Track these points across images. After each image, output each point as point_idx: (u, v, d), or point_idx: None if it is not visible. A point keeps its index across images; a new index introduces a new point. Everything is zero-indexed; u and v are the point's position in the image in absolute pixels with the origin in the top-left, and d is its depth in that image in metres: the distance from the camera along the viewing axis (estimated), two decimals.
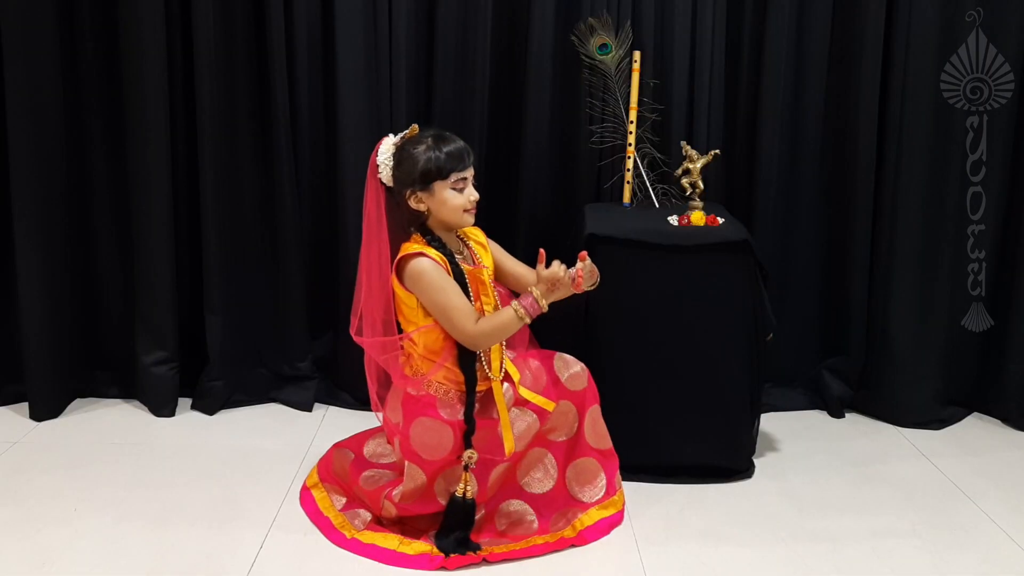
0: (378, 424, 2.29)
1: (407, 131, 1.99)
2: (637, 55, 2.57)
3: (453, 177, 1.95)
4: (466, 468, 1.95)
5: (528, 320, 1.92)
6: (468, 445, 1.95)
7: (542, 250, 1.92)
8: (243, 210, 2.69)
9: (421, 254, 1.94)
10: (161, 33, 2.50)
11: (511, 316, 1.91)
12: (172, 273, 2.64)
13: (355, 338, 2.00)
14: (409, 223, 2.01)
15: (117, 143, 2.64)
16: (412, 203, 1.97)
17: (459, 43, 2.64)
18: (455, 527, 1.96)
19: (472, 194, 1.99)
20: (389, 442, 2.17)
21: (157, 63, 2.51)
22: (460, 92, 2.66)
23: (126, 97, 2.57)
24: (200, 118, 2.55)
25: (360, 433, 2.39)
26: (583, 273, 1.92)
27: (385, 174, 1.98)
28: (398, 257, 1.97)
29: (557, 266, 1.89)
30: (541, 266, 1.91)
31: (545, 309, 1.92)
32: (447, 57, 2.64)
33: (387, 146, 1.99)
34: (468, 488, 1.96)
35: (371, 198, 1.99)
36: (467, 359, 1.96)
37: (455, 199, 1.96)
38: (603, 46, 2.60)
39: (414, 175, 1.94)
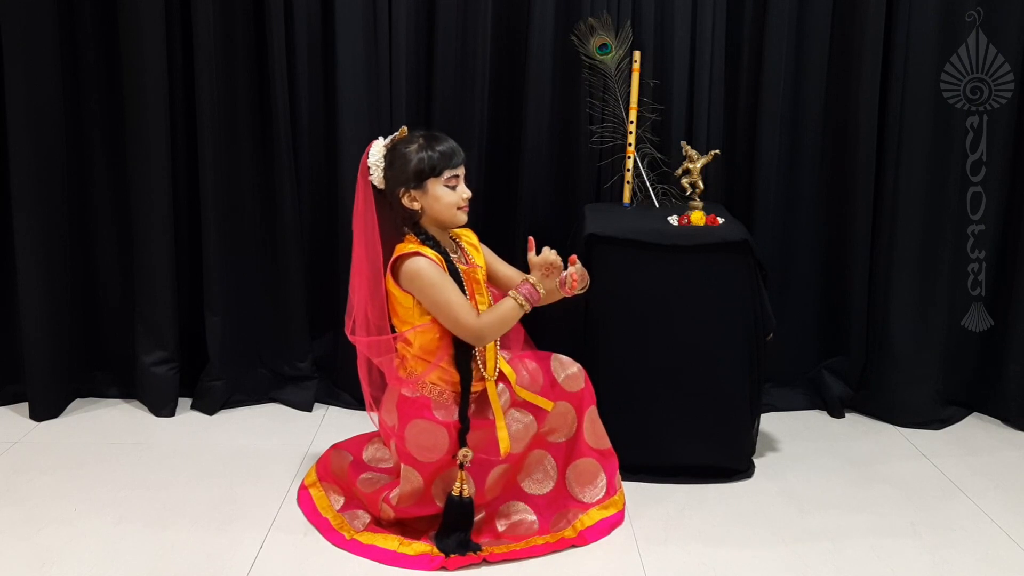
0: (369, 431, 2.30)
1: (396, 133, 2.01)
2: (637, 55, 2.57)
3: (446, 174, 1.96)
4: (461, 467, 1.95)
5: (528, 308, 1.93)
6: (463, 444, 1.95)
7: (531, 238, 1.94)
8: (243, 210, 2.69)
9: (417, 253, 1.94)
10: (161, 34, 2.50)
11: (511, 305, 1.92)
12: (172, 273, 2.64)
13: (350, 337, 2.01)
14: (402, 223, 2.01)
15: (117, 144, 2.64)
16: (406, 202, 1.97)
17: (459, 43, 2.64)
18: (454, 527, 1.96)
19: (464, 191, 2.00)
20: (386, 444, 2.17)
21: (157, 65, 2.51)
22: (460, 92, 2.66)
23: (126, 98, 2.57)
24: (200, 119, 2.55)
25: (359, 436, 2.39)
26: (576, 276, 1.92)
27: (376, 176, 1.99)
28: (393, 257, 1.97)
29: (548, 251, 1.91)
30: (532, 253, 1.92)
31: (543, 294, 1.93)
32: (447, 57, 2.64)
33: (378, 148, 2.00)
34: (464, 487, 1.96)
35: (361, 201, 2.00)
36: (463, 358, 1.96)
37: (448, 196, 1.97)
38: (603, 46, 2.60)
39: (407, 173, 1.95)
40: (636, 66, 2.57)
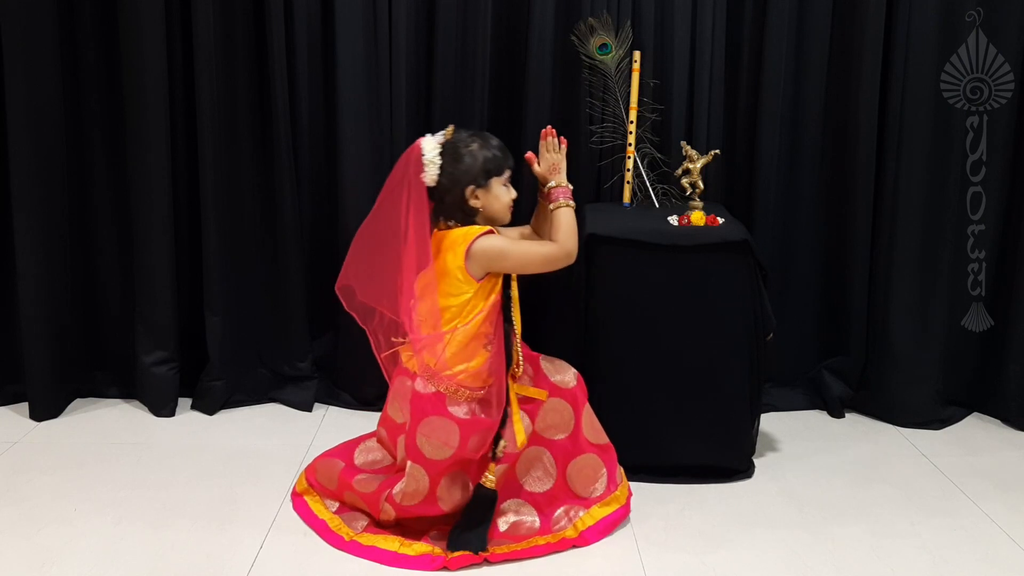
0: (365, 432, 2.27)
1: (445, 131, 2.02)
2: (637, 55, 2.57)
3: (505, 174, 2.03)
4: (495, 458, 1.96)
5: (574, 203, 2.05)
6: (498, 436, 1.96)
7: (529, 153, 2.10)
8: (243, 210, 2.69)
9: (488, 232, 1.98)
10: (161, 34, 2.50)
11: (562, 211, 2.02)
12: (172, 273, 2.64)
13: (421, 339, 1.97)
14: (451, 219, 2.01)
15: (117, 144, 2.64)
16: (471, 200, 1.99)
17: (459, 43, 2.64)
18: (479, 519, 1.95)
19: (513, 192, 2.06)
20: (391, 441, 2.15)
21: (157, 65, 2.50)
22: (460, 92, 2.66)
23: (126, 98, 2.57)
24: (200, 119, 2.55)
25: (346, 443, 2.29)
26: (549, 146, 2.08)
27: (432, 172, 1.98)
28: (470, 242, 1.96)
29: (545, 154, 2.08)
30: (535, 167, 2.09)
31: (567, 184, 2.06)
32: (447, 57, 2.64)
33: (433, 145, 1.99)
34: (490, 478, 1.97)
35: (405, 199, 1.96)
36: (508, 343, 2.00)
37: (505, 195, 2.05)
38: (603, 46, 2.60)
39: (474, 171, 1.98)
40: (636, 66, 2.56)
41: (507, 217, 2.07)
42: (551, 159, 2.07)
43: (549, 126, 2.12)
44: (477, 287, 1.97)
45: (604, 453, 2.14)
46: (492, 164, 2.00)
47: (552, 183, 2.06)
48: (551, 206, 2.04)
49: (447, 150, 1.99)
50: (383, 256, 2.00)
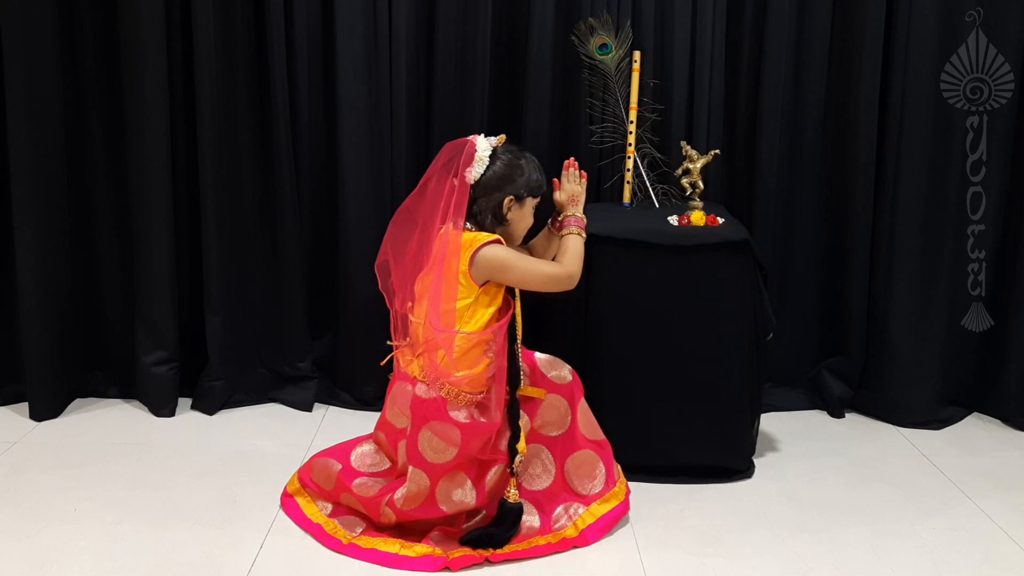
0: (363, 434, 2.27)
1: (497, 137, 2.04)
2: (637, 55, 2.57)
3: (538, 200, 2.07)
4: (513, 473, 1.99)
5: (584, 234, 2.09)
6: (513, 451, 1.98)
7: (556, 180, 2.12)
8: (243, 210, 2.69)
9: (495, 241, 1.98)
10: (161, 34, 2.50)
11: (572, 237, 2.07)
12: (172, 273, 2.64)
13: (446, 332, 1.96)
14: (481, 225, 2.02)
15: (117, 144, 2.64)
16: (508, 212, 2.02)
17: (459, 43, 2.64)
18: (504, 530, 1.98)
19: (532, 220, 2.10)
20: (391, 445, 2.14)
21: (157, 64, 2.51)
22: (460, 92, 2.66)
23: (126, 99, 2.57)
24: (200, 120, 2.55)
25: (342, 444, 2.26)
26: (571, 177, 2.13)
27: (477, 171, 1.98)
28: (476, 248, 1.96)
29: (567, 185, 2.12)
30: (557, 193, 2.12)
31: (583, 216, 2.11)
32: (447, 57, 2.64)
33: (486, 145, 2.01)
34: (515, 492, 1.99)
35: (449, 190, 1.97)
36: (513, 358, 2.01)
37: (529, 220, 2.08)
38: (603, 46, 2.60)
39: (520, 184, 2.02)
40: (636, 66, 2.57)
41: (520, 240, 2.10)
42: (571, 190, 2.12)
43: (572, 158, 2.16)
44: (478, 292, 1.97)
45: (600, 449, 2.14)
46: (535, 184, 2.04)
47: (569, 212, 2.10)
48: (563, 231, 2.09)
49: (498, 155, 2.01)
50: (413, 238, 2.02)
